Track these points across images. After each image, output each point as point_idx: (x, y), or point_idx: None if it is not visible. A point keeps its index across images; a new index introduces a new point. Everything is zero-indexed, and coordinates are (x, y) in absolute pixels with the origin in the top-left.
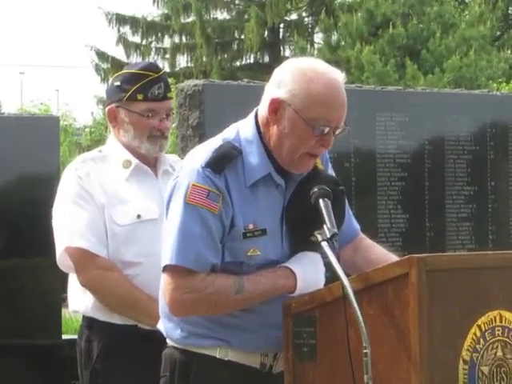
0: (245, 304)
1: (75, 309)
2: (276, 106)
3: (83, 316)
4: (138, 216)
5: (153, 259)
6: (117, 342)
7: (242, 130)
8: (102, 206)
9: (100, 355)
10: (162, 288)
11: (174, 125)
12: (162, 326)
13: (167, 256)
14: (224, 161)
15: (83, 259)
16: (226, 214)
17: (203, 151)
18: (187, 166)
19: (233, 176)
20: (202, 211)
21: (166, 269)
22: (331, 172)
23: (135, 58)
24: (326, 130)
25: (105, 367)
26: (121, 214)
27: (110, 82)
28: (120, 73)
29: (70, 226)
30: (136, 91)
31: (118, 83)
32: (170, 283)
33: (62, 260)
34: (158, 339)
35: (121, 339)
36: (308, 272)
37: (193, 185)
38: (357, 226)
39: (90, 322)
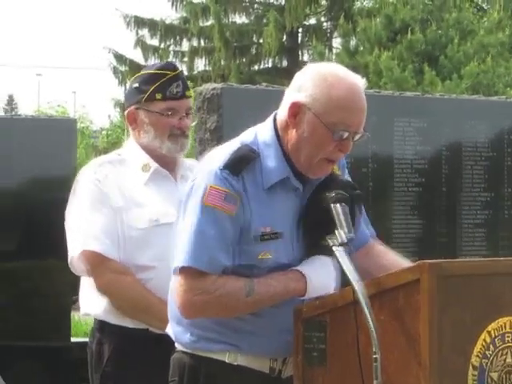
0: (255, 307)
1: (87, 312)
2: (296, 110)
3: (95, 319)
4: (156, 220)
5: (167, 263)
6: (128, 346)
7: (260, 133)
8: (119, 210)
9: (111, 358)
10: (173, 289)
11: (193, 123)
12: (171, 329)
13: (180, 257)
14: (242, 163)
15: (98, 263)
16: (242, 216)
17: (221, 154)
18: (205, 168)
19: (250, 178)
20: (218, 213)
21: (178, 270)
22: (347, 177)
23: (153, 61)
24: (346, 134)
25: (115, 370)
26: (138, 217)
27: (128, 85)
28: (138, 75)
29: (86, 229)
30: (154, 91)
31: (137, 85)
32: (182, 285)
33: (77, 263)
34: (169, 343)
35: (132, 343)
36: (319, 276)
37: (210, 187)
38: (371, 231)
39: (101, 325)
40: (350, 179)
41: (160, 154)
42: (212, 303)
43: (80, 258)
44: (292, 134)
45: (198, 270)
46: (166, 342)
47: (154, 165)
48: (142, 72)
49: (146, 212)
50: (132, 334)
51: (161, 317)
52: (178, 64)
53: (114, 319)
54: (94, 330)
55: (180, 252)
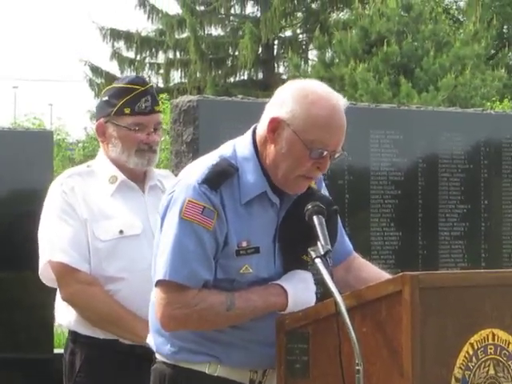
0: (236, 320)
1: (60, 322)
2: (275, 126)
3: (68, 329)
4: (121, 231)
5: (136, 275)
6: (98, 356)
7: (239, 147)
8: (85, 221)
9: (82, 368)
10: (155, 303)
11: (162, 138)
12: (152, 340)
13: (161, 271)
14: (220, 178)
15: (64, 274)
16: (220, 230)
17: (200, 167)
18: (184, 182)
19: (228, 193)
20: (196, 227)
21: (158, 284)
22: (325, 191)
23: (129, 73)
24: (323, 153)
25: (87, 380)
26: (104, 229)
27: (100, 97)
28: (108, 88)
29: (53, 241)
30: (123, 105)
31: (106, 98)
32: (163, 298)
33: (45, 273)
34: (139, 353)
35: (102, 353)
36: (299, 290)
37: (189, 201)
38: (350, 245)
39: (73, 336)
40: (327, 193)
41: (129, 166)
42: (192, 317)
43: (46, 269)
44: (270, 149)
45: (178, 283)
46: (136, 353)
47: (120, 177)
48: (113, 85)
49: (112, 224)
50: (102, 345)
51: (128, 328)
52: (153, 76)
53: (84, 330)
54: (68, 341)
55: (160, 266)
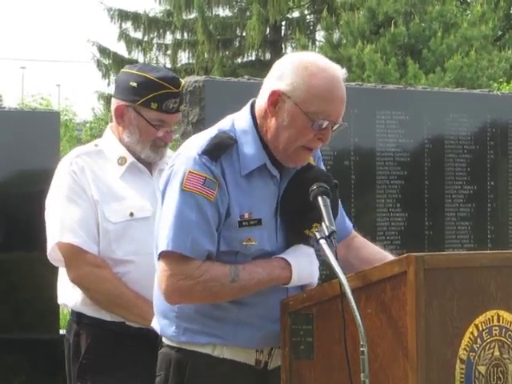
0: (240, 293)
1: (64, 302)
2: (276, 98)
3: (72, 310)
4: (131, 214)
5: (144, 258)
6: (105, 338)
7: (237, 121)
8: (96, 203)
9: (88, 350)
10: (158, 276)
11: (177, 135)
12: (157, 323)
13: (163, 243)
14: (220, 149)
15: (73, 255)
16: (222, 201)
17: (199, 140)
18: (183, 155)
19: (228, 164)
20: (198, 198)
21: (161, 256)
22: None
23: (137, 54)
24: (325, 124)
25: (93, 362)
26: (114, 211)
27: (124, 76)
28: (139, 73)
29: (63, 221)
30: (151, 99)
31: (135, 84)
32: (166, 270)
33: (53, 254)
34: (146, 336)
35: (109, 335)
36: (302, 264)
37: (189, 172)
38: (349, 223)
39: (78, 317)
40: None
41: (140, 155)
42: (197, 288)
43: (55, 250)
44: (271, 122)
45: (182, 254)
46: (144, 336)
47: (130, 158)
48: (144, 74)
49: (122, 206)
50: (109, 327)
51: (136, 311)
52: (161, 57)
53: (91, 311)
54: (71, 322)
55: (163, 237)
